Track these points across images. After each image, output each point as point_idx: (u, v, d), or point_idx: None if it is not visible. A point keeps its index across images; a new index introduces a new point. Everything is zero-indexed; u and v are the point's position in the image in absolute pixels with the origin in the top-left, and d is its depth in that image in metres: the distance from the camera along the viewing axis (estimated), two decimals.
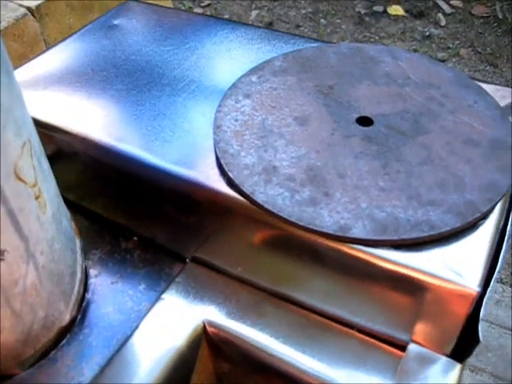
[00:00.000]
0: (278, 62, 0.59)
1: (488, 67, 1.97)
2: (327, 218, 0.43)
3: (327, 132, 0.50)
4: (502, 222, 0.47)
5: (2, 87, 0.36)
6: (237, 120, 0.52)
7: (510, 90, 0.57)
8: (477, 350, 1.36)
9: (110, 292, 0.53)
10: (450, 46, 2.07)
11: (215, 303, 0.52)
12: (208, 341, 0.51)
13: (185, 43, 0.65)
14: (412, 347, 0.46)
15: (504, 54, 2.06)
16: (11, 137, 0.37)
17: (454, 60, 1.99)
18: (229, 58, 0.62)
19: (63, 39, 0.67)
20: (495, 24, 2.19)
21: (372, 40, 2.03)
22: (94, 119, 0.55)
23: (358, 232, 0.42)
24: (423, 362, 0.46)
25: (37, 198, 0.41)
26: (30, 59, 0.64)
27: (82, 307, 0.51)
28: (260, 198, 0.45)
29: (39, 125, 0.54)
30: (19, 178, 0.39)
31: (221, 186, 0.47)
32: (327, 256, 0.44)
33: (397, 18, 2.20)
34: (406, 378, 0.45)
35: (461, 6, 2.29)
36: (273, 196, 0.45)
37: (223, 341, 0.51)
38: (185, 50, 0.63)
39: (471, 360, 1.22)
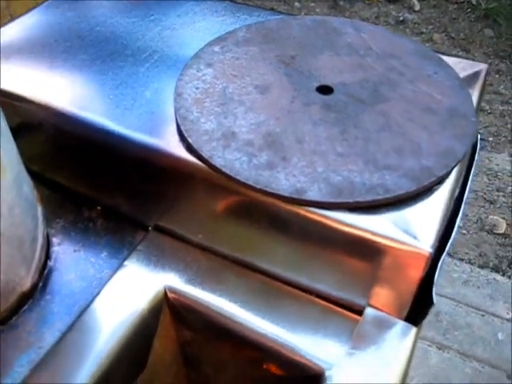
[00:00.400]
0: (241, 33, 0.59)
1: (460, 52, 2.00)
2: (283, 181, 0.44)
3: (287, 100, 0.51)
4: (459, 188, 0.48)
5: None
6: (198, 88, 0.52)
7: (470, 62, 0.58)
8: (444, 328, 1.39)
9: (73, 260, 0.53)
10: (424, 30, 2.09)
11: (176, 270, 0.52)
12: (169, 307, 0.52)
13: (149, 15, 0.65)
14: (368, 311, 0.47)
15: (476, 39, 2.09)
16: None
17: (427, 45, 2.01)
18: (193, 29, 0.62)
19: (27, 11, 0.67)
20: (469, 10, 2.22)
21: None
22: (56, 88, 0.54)
23: (313, 195, 0.43)
24: (379, 325, 0.47)
25: None
26: None
27: (44, 274, 0.51)
28: (218, 162, 0.45)
29: (1, 94, 0.54)
30: None
31: (180, 152, 0.47)
32: (284, 220, 0.45)
33: (371, 2, 2.22)
34: (362, 342, 0.46)
35: None
36: (231, 160, 0.45)
37: (184, 306, 0.51)
38: (149, 22, 0.63)
39: (438, 338, 1.25)
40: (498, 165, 1.68)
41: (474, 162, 0.51)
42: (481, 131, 1.76)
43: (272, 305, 0.50)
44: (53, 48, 0.60)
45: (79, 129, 0.52)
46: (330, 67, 0.55)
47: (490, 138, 1.75)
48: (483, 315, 1.28)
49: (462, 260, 1.42)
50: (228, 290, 0.51)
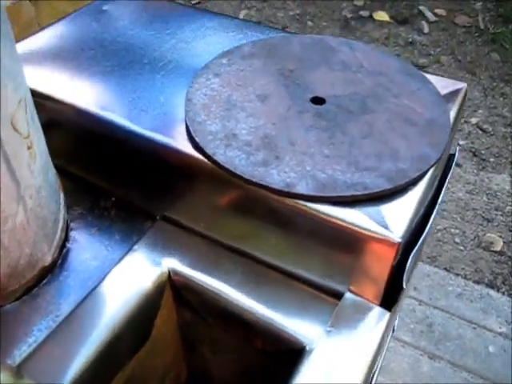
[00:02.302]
0: (247, 48, 0.66)
1: (467, 75, 2.06)
2: (276, 176, 0.50)
3: (284, 108, 0.58)
4: (433, 192, 0.54)
5: (3, 50, 0.43)
6: (206, 95, 0.59)
7: (451, 81, 0.64)
8: (436, 339, 1.44)
9: (88, 242, 0.60)
10: (432, 52, 2.16)
11: (179, 255, 0.59)
12: (172, 287, 0.58)
13: (166, 29, 0.72)
14: (347, 296, 0.54)
15: (483, 62, 2.15)
16: (10, 92, 0.44)
17: (434, 66, 2.08)
18: (204, 43, 0.69)
19: (56, 21, 0.74)
20: (476, 34, 2.29)
21: None
22: (81, 90, 0.61)
23: (301, 189, 0.49)
24: (356, 309, 0.53)
25: (29, 148, 0.48)
26: (25, 37, 0.71)
27: (63, 253, 0.58)
28: (220, 158, 0.52)
29: (32, 94, 0.61)
30: (15, 129, 0.46)
31: (188, 149, 0.54)
32: (275, 210, 0.51)
33: (382, 23, 2.29)
34: (339, 322, 0.52)
35: (444, 14, 2.38)
36: (231, 157, 0.52)
37: (185, 287, 0.58)
38: (165, 35, 0.71)
39: (430, 348, 1.30)
40: (497, 185, 1.73)
41: (450, 171, 0.57)
42: (482, 152, 1.81)
43: (262, 288, 0.56)
44: (79, 55, 0.67)
45: (100, 127, 0.59)
46: (324, 81, 0.61)
47: (491, 159, 1.80)
48: (475, 328, 1.33)
49: (457, 275, 1.47)
50: (223, 274, 0.57)
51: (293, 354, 0.52)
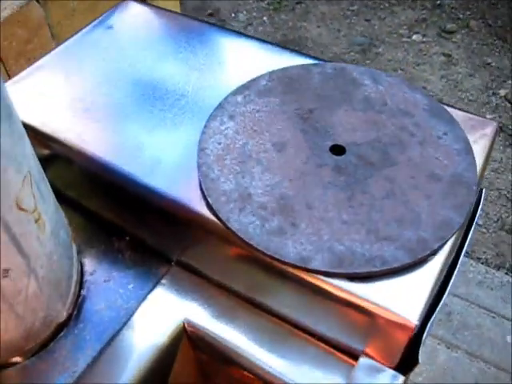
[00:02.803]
0: (263, 81, 0.63)
1: (497, 41, 1.97)
2: (291, 248, 0.49)
3: (301, 160, 0.55)
4: (453, 256, 0.52)
5: (3, 134, 0.41)
6: (219, 143, 0.56)
7: (480, 119, 0.61)
8: (454, 328, 1.43)
9: (103, 290, 0.59)
10: (461, 16, 2.05)
11: (195, 305, 0.58)
12: (188, 337, 0.58)
13: (178, 52, 0.68)
14: (362, 360, 0.53)
15: None
16: (12, 175, 0.43)
17: (462, 32, 1.99)
18: (219, 71, 0.66)
19: (62, 42, 0.71)
20: None
21: (382, 7, 2.02)
22: (88, 133, 0.59)
23: (317, 264, 0.48)
24: (371, 372, 0.52)
25: (36, 221, 0.47)
26: (30, 64, 0.68)
27: (78, 303, 0.58)
28: (234, 225, 0.50)
29: (37, 133, 0.59)
30: (20, 209, 0.44)
31: (201, 209, 0.53)
32: (291, 280, 0.50)
33: None
34: None
35: None
36: (245, 224, 0.50)
37: (200, 339, 0.57)
38: (177, 60, 0.67)
39: (448, 337, 1.30)
40: None
41: (472, 228, 0.55)
42: (510, 127, 1.75)
43: (277, 342, 0.56)
44: (85, 87, 0.65)
45: (111, 177, 0.57)
46: (345, 124, 0.58)
47: None
48: (494, 317, 1.32)
49: (478, 260, 1.46)
50: (240, 327, 0.57)
51: None
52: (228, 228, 0.50)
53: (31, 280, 0.48)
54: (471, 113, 0.62)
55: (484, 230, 1.52)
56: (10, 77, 0.93)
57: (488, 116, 1.77)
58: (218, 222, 0.51)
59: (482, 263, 1.44)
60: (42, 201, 0.48)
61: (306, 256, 0.48)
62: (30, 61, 0.94)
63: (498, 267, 1.44)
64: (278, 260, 0.48)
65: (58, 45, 0.71)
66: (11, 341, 0.50)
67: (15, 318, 0.49)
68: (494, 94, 1.83)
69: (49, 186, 0.51)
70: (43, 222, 0.48)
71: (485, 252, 1.48)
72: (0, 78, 0.42)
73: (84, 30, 0.72)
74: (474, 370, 1.24)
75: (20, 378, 0.53)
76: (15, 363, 0.54)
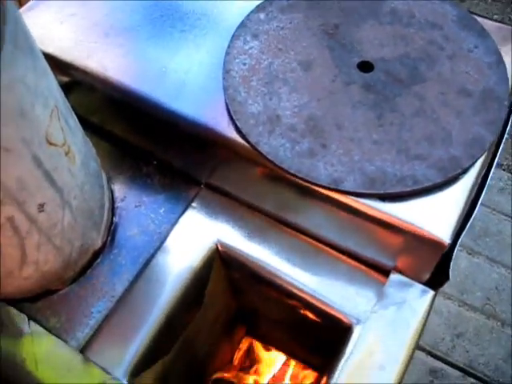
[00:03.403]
0: None
1: None
2: (323, 170, 0.49)
3: (329, 78, 0.54)
4: (483, 173, 0.52)
5: (27, 70, 0.40)
6: (244, 64, 0.55)
7: (511, 28, 0.58)
8: (476, 235, 1.44)
9: (134, 215, 0.60)
10: None
11: (226, 226, 0.59)
12: (221, 258, 0.60)
13: None
14: (393, 276, 0.54)
15: None
16: (40, 111, 0.42)
17: None
18: None
19: None
20: None
21: None
22: (111, 59, 0.58)
23: (348, 185, 0.48)
24: (402, 287, 0.54)
25: (66, 153, 0.47)
26: None
27: (111, 230, 0.59)
28: (264, 148, 0.50)
29: (59, 62, 0.58)
30: (50, 143, 0.44)
31: (230, 133, 0.52)
32: (322, 200, 0.50)
33: None
34: (386, 299, 0.53)
35: None
36: (275, 147, 0.50)
37: (233, 259, 0.59)
38: None
39: (470, 243, 1.32)
40: None
41: (503, 142, 0.54)
42: None
43: (309, 261, 0.57)
44: (100, 11, 0.62)
45: (137, 103, 0.56)
46: (372, 39, 0.56)
47: None
48: None
49: (500, 166, 1.45)
50: (270, 246, 0.58)
51: (340, 330, 0.55)
52: (258, 151, 0.50)
53: (66, 212, 0.49)
54: (503, 22, 0.59)
55: (506, 136, 1.50)
56: (21, 4, 0.91)
57: None
58: (247, 145, 0.51)
59: (504, 170, 1.43)
60: (71, 133, 0.48)
61: (337, 177, 0.48)
62: None
63: None
64: (310, 182, 0.49)
65: None
66: (51, 270, 0.52)
67: (53, 249, 0.50)
68: None
69: (75, 118, 0.51)
70: (73, 154, 0.48)
71: (506, 158, 1.46)
72: (19, 14, 0.41)
73: None
74: (495, 275, 1.27)
75: (62, 303, 0.55)
76: (56, 290, 0.56)
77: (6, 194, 0.42)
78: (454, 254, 0.49)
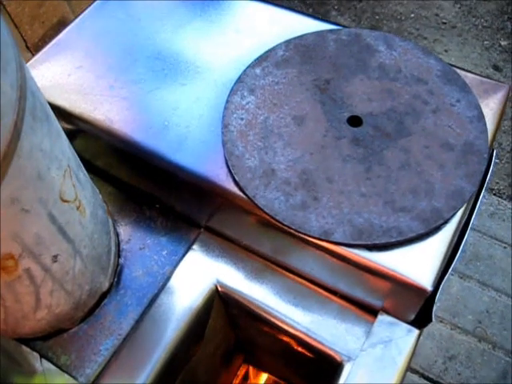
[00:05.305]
0: (280, 52, 0.64)
1: None
2: (314, 222, 0.53)
3: (320, 133, 0.58)
4: (464, 221, 0.56)
5: (44, 136, 0.44)
6: (242, 119, 0.59)
7: (493, 82, 0.63)
8: (467, 259, 1.48)
9: (139, 257, 0.64)
10: None
11: (225, 268, 0.63)
12: (220, 297, 0.63)
13: (194, 21, 0.70)
14: (381, 316, 0.58)
15: None
16: (55, 173, 0.46)
17: None
18: (237, 39, 0.67)
19: (78, 14, 0.72)
20: None
21: None
22: (116, 112, 0.62)
23: (338, 236, 0.52)
24: (389, 326, 0.58)
25: (78, 208, 0.51)
26: (50, 40, 0.70)
27: (117, 272, 0.63)
28: (260, 201, 0.54)
29: (62, 113, 0.62)
30: (64, 201, 0.48)
31: (228, 185, 0.56)
32: (314, 248, 0.54)
33: None
34: (374, 338, 0.57)
35: None
36: (271, 200, 0.54)
37: (231, 298, 0.63)
38: (194, 31, 0.69)
39: (461, 268, 1.36)
40: None
41: (483, 191, 0.58)
42: None
43: (302, 301, 0.61)
44: (109, 66, 0.66)
45: (139, 153, 0.60)
46: (361, 94, 0.61)
47: None
48: (505, 247, 1.37)
49: (491, 190, 1.49)
50: (267, 287, 0.62)
51: (331, 366, 0.58)
52: (254, 203, 0.54)
53: (77, 260, 0.53)
54: (483, 76, 0.64)
55: (497, 161, 1.55)
56: (25, 42, 0.95)
57: (502, 42, 1.75)
58: (245, 197, 0.55)
59: (495, 194, 1.47)
60: (81, 187, 0.52)
61: (328, 229, 0.52)
62: (45, 24, 0.95)
63: (511, 198, 1.47)
64: (302, 233, 0.52)
65: (73, 17, 0.72)
66: (62, 313, 0.56)
67: (65, 294, 0.54)
68: (509, 18, 1.79)
69: (84, 171, 0.55)
70: (83, 207, 0.52)
71: (497, 183, 1.51)
72: (32, 80, 0.45)
73: (98, 2, 0.73)
74: (486, 299, 1.31)
75: (72, 342, 0.59)
76: (67, 329, 0.60)
77: (25, 249, 0.46)
78: (437, 298, 0.53)
